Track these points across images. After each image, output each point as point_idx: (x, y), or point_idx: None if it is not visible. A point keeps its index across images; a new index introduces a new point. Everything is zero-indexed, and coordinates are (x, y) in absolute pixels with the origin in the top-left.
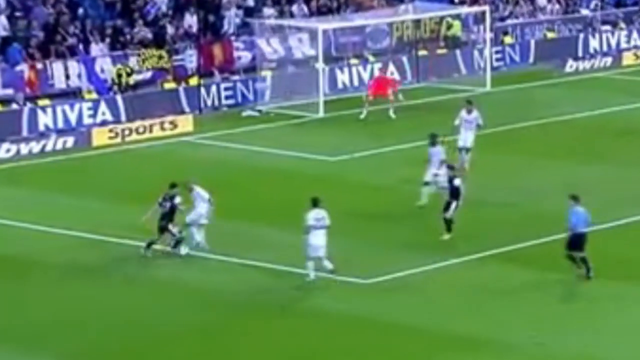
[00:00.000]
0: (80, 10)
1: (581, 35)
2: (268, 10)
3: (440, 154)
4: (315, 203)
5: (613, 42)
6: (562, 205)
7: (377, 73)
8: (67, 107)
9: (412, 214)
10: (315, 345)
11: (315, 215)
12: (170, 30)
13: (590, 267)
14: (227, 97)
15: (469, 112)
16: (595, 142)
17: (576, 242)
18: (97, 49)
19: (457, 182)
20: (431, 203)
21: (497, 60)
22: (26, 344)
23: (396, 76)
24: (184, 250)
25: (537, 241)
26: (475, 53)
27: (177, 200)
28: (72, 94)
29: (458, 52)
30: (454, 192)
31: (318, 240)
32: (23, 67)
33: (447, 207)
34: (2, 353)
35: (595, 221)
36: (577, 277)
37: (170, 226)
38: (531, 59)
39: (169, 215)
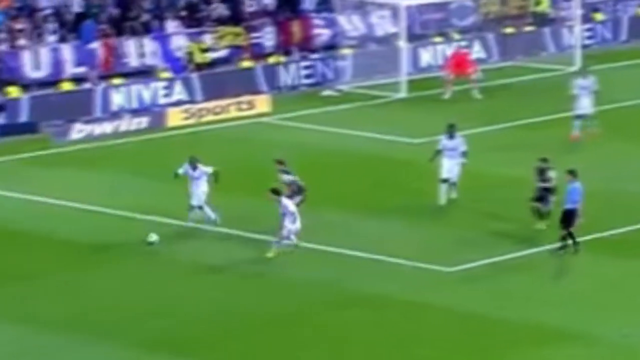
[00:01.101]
0: None
1: None
2: None
3: (461, 146)
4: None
5: None
6: None
7: (452, 50)
8: (141, 87)
9: (497, 200)
10: (395, 335)
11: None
12: (247, 6)
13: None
14: (306, 76)
15: (585, 77)
16: None
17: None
18: (172, 26)
19: (552, 174)
20: (516, 193)
21: (588, 38)
22: (104, 332)
23: (482, 54)
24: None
25: (628, 228)
26: (565, 30)
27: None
28: (146, 73)
29: (546, 29)
30: (550, 186)
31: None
32: (96, 45)
33: (541, 199)
34: (79, 341)
35: None
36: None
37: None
38: (624, 37)
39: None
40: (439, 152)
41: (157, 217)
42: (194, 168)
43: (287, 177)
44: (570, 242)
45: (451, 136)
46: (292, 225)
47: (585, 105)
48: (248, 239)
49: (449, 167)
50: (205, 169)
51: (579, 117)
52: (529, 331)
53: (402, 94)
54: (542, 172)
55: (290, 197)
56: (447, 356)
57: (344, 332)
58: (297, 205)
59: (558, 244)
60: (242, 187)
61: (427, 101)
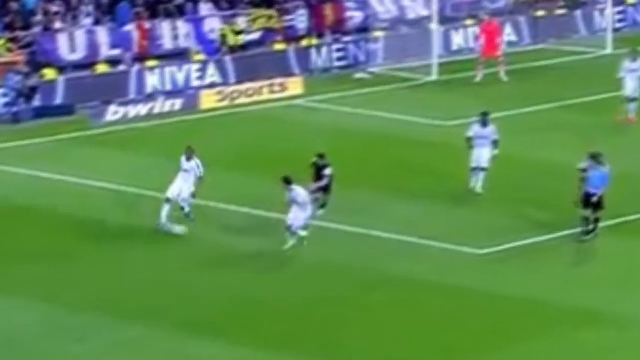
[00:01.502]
0: None
1: None
2: None
3: (493, 135)
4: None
5: None
6: None
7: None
8: (174, 69)
9: (527, 183)
10: (426, 317)
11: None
12: None
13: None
14: (338, 59)
15: (634, 60)
16: None
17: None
18: (205, 8)
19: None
20: (548, 176)
21: (619, 21)
22: (134, 314)
23: (513, 37)
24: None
25: None
26: (596, 13)
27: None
28: (180, 55)
29: (578, 12)
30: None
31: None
32: (131, 28)
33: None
34: (109, 322)
35: None
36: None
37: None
38: None
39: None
40: (470, 140)
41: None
42: (189, 159)
43: (328, 171)
44: (590, 226)
45: (484, 124)
46: (302, 214)
47: (632, 88)
48: (280, 220)
49: (478, 156)
50: (199, 166)
51: (626, 99)
52: (560, 314)
53: (434, 76)
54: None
55: (322, 189)
56: (477, 339)
57: (376, 314)
58: (321, 191)
59: (579, 229)
60: (273, 170)
61: (458, 84)
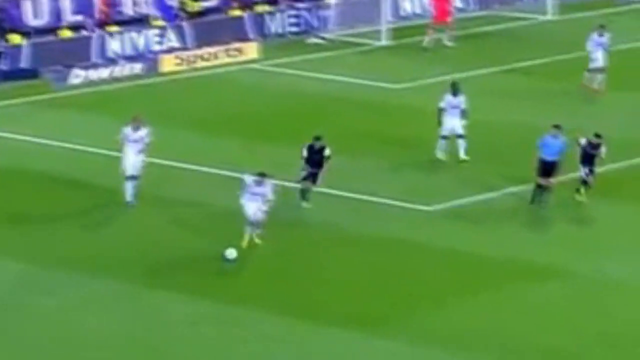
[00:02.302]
0: None
1: None
2: None
3: (462, 104)
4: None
5: None
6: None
7: None
8: (135, 34)
9: (473, 142)
10: (378, 271)
11: None
12: None
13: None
14: (291, 25)
15: (601, 35)
16: None
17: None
18: None
19: (604, 149)
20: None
21: None
22: (106, 269)
23: (459, 4)
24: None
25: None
26: None
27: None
28: (140, 21)
29: None
30: (593, 158)
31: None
32: None
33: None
34: (83, 277)
35: None
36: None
37: None
38: None
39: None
40: (442, 110)
41: (151, 159)
42: (137, 128)
43: (327, 152)
44: (541, 193)
45: (455, 93)
46: (263, 207)
47: (598, 58)
48: (236, 178)
49: (451, 125)
50: (147, 135)
51: (594, 70)
52: (506, 268)
53: (384, 41)
54: (593, 147)
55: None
56: (428, 291)
57: (333, 270)
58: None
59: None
60: (230, 130)
61: (407, 48)
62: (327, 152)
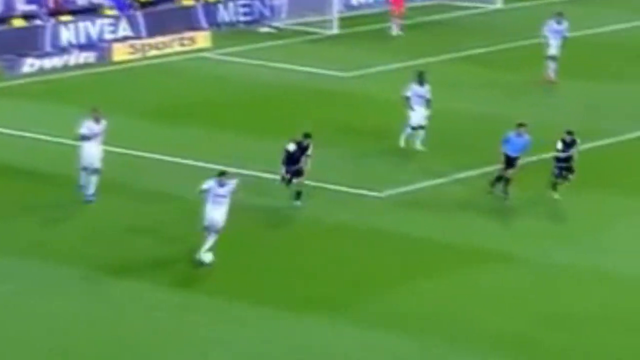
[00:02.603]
0: None
1: None
2: None
3: (428, 93)
4: None
5: None
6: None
7: None
8: (88, 23)
9: (427, 130)
10: (334, 257)
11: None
12: None
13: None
14: (244, 14)
15: (559, 22)
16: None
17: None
18: None
19: (578, 147)
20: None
21: None
22: (61, 256)
23: None
24: None
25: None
26: None
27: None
28: (92, 10)
29: None
30: (571, 158)
31: None
32: None
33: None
34: (37, 265)
35: None
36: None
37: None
38: None
39: None
40: (407, 99)
41: (108, 147)
42: (97, 120)
43: (310, 151)
44: (501, 184)
45: (421, 83)
46: (224, 209)
47: (555, 46)
48: (194, 166)
49: (418, 114)
50: (104, 126)
51: (549, 58)
52: (458, 253)
53: (334, 30)
54: (566, 145)
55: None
56: (379, 276)
57: (285, 254)
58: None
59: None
60: (187, 120)
61: (357, 37)
62: (310, 151)
